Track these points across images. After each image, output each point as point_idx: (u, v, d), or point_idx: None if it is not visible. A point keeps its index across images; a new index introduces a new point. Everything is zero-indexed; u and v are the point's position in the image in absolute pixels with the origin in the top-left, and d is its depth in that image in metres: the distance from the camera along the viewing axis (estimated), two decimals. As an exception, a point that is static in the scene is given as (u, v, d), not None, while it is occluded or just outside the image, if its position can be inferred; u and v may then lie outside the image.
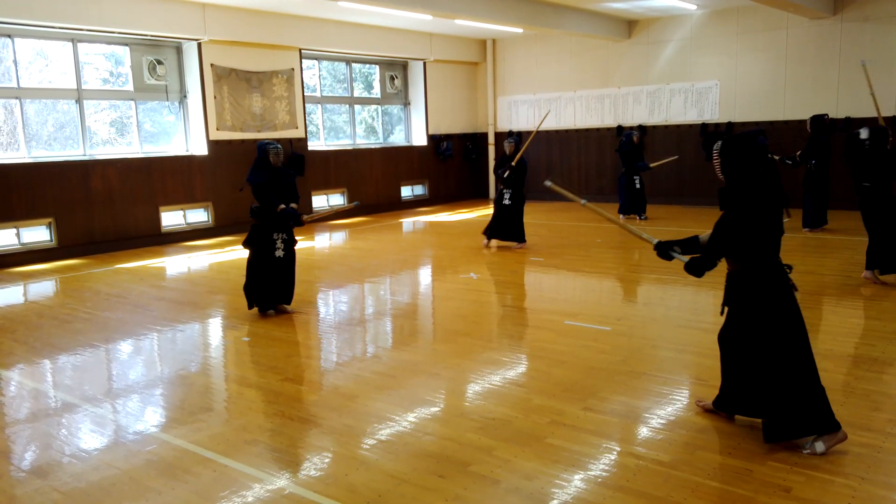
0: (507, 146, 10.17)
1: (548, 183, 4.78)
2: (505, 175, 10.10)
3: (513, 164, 10.01)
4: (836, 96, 12.88)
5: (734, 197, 3.64)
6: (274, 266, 6.68)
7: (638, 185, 12.70)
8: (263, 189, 6.59)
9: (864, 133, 7.21)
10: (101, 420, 4.48)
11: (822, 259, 8.76)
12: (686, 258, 3.88)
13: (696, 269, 3.75)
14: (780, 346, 3.64)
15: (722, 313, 3.96)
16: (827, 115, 10.80)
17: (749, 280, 3.70)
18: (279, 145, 6.73)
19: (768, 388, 3.66)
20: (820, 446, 3.60)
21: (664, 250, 3.99)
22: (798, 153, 10.88)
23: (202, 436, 4.14)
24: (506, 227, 10.12)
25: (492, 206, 15.71)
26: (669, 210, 13.79)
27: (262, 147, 6.68)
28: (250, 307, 6.76)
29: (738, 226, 3.60)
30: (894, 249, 7.14)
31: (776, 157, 10.35)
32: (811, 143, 10.50)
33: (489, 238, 10.23)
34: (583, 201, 4.54)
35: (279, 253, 6.68)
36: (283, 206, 6.60)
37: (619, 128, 15.29)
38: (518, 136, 12.65)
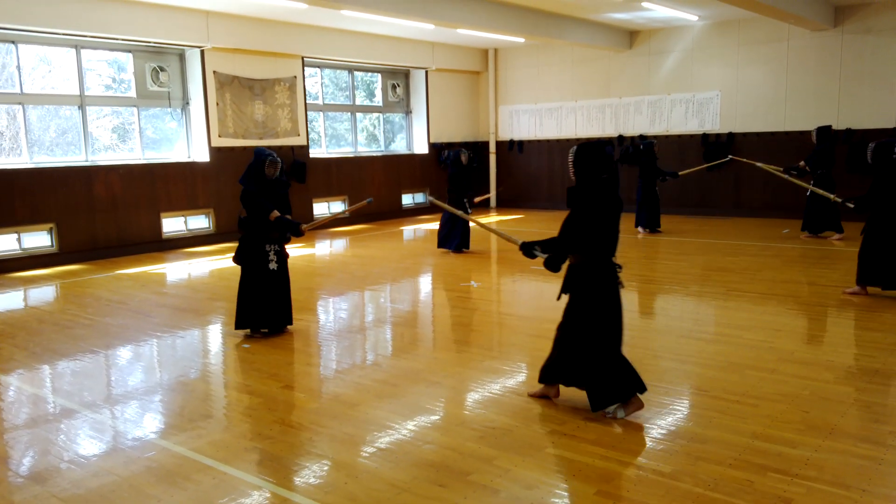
0: (464, 157, 10.67)
1: (429, 199, 5.58)
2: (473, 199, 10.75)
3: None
4: (837, 107, 12.91)
5: (579, 197, 4.20)
6: (269, 280, 6.17)
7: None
8: (254, 196, 6.08)
9: None
10: (101, 426, 4.47)
11: (824, 270, 8.75)
12: (545, 255, 4.37)
13: (552, 264, 4.33)
14: (602, 329, 4.26)
15: (558, 299, 4.45)
16: (831, 125, 10.93)
17: (585, 272, 4.28)
18: (279, 159, 6.27)
19: (592, 363, 4.27)
20: (621, 413, 4.25)
21: (528, 249, 4.46)
22: (802, 163, 10.93)
23: (202, 442, 4.13)
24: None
25: (480, 216, 15.72)
26: (671, 220, 13.78)
27: (259, 155, 6.18)
28: (239, 327, 6.21)
29: (579, 223, 4.17)
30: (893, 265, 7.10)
31: (779, 170, 10.38)
32: (817, 152, 10.83)
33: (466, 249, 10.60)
34: (459, 213, 5.53)
35: (273, 266, 6.19)
36: (278, 213, 6.10)
37: (621, 137, 15.32)
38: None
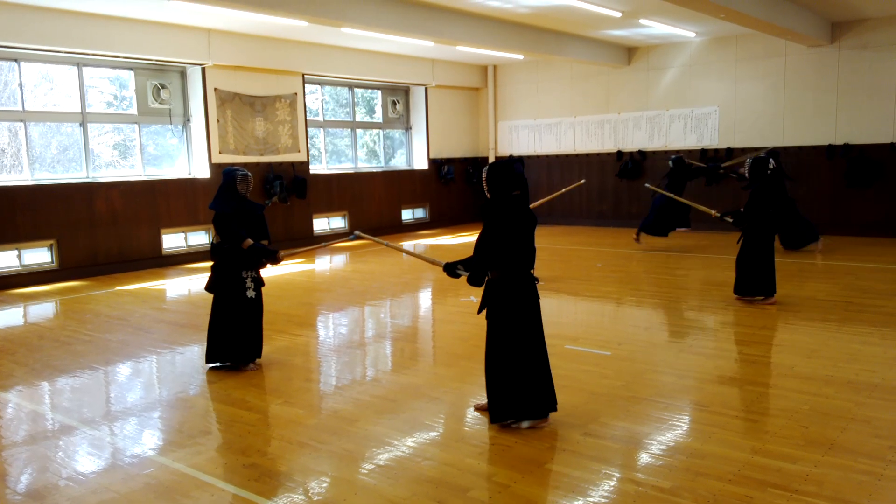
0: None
1: (356, 233, 5.75)
2: None
3: None
4: (835, 122, 12.97)
5: (491, 213, 4.28)
6: (245, 310, 5.75)
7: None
8: (228, 220, 5.63)
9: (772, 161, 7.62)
10: (100, 443, 4.47)
11: (821, 284, 8.76)
12: (467, 273, 4.42)
13: (474, 280, 4.40)
14: (514, 343, 4.29)
15: (479, 313, 4.46)
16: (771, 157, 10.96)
17: (501, 286, 4.31)
18: (249, 173, 5.80)
19: (497, 376, 4.33)
20: (525, 423, 4.35)
21: (451, 270, 4.50)
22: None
23: (201, 459, 4.12)
24: None
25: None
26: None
27: (228, 173, 5.73)
28: (211, 360, 5.81)
29: (492, 239, 4.24)
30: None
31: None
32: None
33: None
34: (385, 243, 5.59)
35: (250, 293, 5.76)
36: (251, 241, 5.68)
37: (620, 152, 15.38)
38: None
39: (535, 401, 4.31)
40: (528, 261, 4.32)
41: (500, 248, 4.23)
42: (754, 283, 7.66)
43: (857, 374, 5.30)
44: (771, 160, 7.59)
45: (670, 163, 12.28)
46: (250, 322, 5.80)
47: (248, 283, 5.77)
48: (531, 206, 10.10)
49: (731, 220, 7.86)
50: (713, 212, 8.33)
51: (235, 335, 5.75)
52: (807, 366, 5.52)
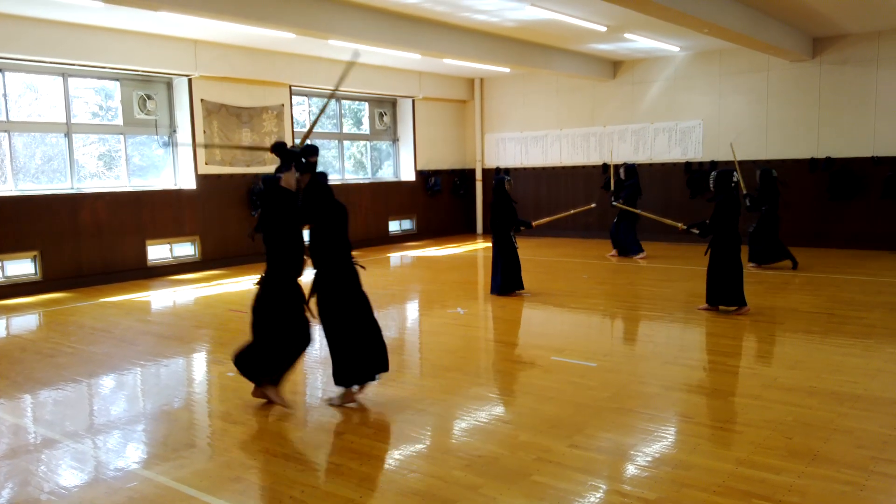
0: (508, 185, 9.36)
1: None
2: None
3: None
4: (817, 136, 13.14)
5: (306, 212, 5.18)
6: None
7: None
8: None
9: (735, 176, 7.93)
10: (83, 456, 4.42)
11: (806, 296, 8.84)
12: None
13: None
14: (340, 320, 5.14)
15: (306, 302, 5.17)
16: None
17: (322, 275, 5.19)
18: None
19: (333, 348, 5.17)
20: (337, 401, 5.17)
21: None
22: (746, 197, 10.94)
23: (185, 472, 4.09)
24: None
25: (480, 242, 15.76)
26: (659, 247, 13.89)
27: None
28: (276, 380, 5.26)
29: (311, 234, 5.17)
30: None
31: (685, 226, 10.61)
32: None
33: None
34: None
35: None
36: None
37: (605, 165, 15.48)
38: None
39: (359, 368, 5.13)
40: (341, 252, 5.19)
41: (315, 242, 5.19)
42: (724, 293, 7.84)
43: (839, 385, 5.35)
44: (735, 173, 7.88)
45: (696, 175, 12.15)
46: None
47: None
48: (535, 223, 9.96)
49: (696, 232, 8.05)
50: (679, 224, 8.50)
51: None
52: (790, 377, 5.56)
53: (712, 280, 7.93)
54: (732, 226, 7.80)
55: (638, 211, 10.76)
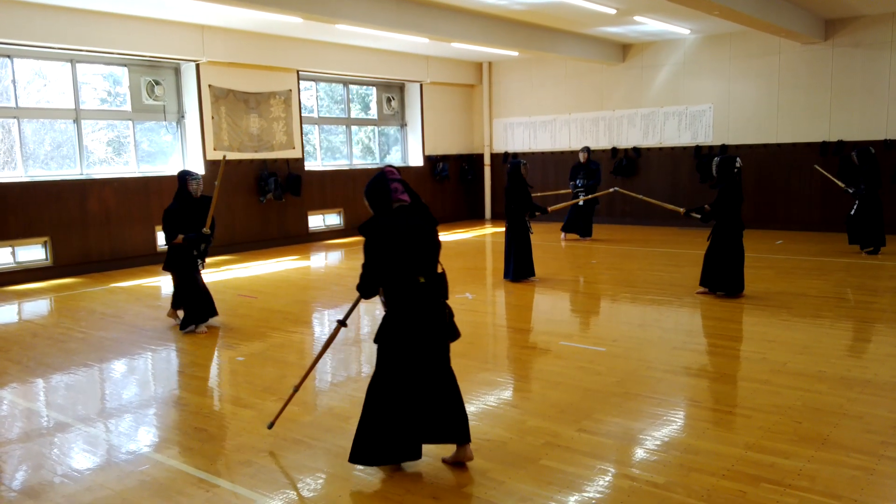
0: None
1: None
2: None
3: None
4: (829, 120, 13.02)
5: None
6: (196, 275, 6.97)
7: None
8: (167, 219, 6.78)
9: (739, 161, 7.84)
10: (94, 440, 4.47)
11: (814, 281, 8.80)
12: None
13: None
14: (380, 374, 3.87)
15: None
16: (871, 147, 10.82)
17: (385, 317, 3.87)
18: (199, 176, 6.91)
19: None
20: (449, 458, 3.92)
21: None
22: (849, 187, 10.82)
23: (196, 456, 4.13)
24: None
25: (488, 227, 15.74)
26: (662, 232, 13.84)
27: (181, 176, 6.84)
28: (191, 328, 6.95)
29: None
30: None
31: (843, 185, 10.88)
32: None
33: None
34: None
35: (202, 266, 7.01)
36: (181, 236, 6.76)
37: (615, 149, 15.40)
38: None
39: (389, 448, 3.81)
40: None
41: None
42: (723, 280, 7.91)
43: (849, 370, 5.33)
44: (738, 159, 7.84)
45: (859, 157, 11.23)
46: (204, 286, 7.06)
47: (199, 262, 6.95)
48: (550, 208, 9.82)
49: (698, 217, 8.05)
50: (680, 209, 8.45)
51: (202, 298, 6.98)
52: (799, 362, 5.55)
53: (710, 265, 8.00)
54: (735, 212, 7.81)
55: (641, 196, 10.62)
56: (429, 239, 3.80)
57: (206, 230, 6.80)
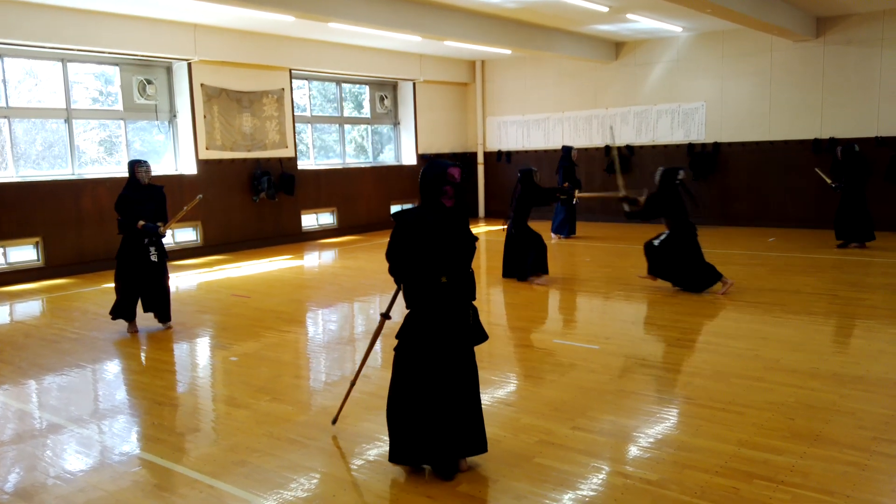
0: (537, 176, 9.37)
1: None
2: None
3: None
4: (821, 117, 13.07)
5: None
6: (147, 271, 6.88)
7: None
8: (123, 202, 6.80)
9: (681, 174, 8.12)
10: (87, 441, 4.45)
11: (808, 278, 8.83)
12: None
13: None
14: (400, 371, 3.88)
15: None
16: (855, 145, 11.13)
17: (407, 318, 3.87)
18: (147, 163, 6.93)
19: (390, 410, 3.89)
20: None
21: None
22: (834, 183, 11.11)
23: (189, 457, 4.12)
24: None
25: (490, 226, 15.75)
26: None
27: (130, 164, 6.92)
28: (116, 317, 6.97)
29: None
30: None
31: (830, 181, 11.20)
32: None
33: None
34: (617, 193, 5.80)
35: (153, 257, 6.89)
36: (143, 222, 6.76)
37: (608, 147, 15.43)
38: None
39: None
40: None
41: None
42: (691, 280, 8.10)
43: (842, 366, 5.35)
44: (681, 171, 8.08)
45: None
46: (152, 281, 6.95)
47: (152, 251, 6.88)
48: (580, 194, 10.34)
49: (627, 209, 8.31)
50: (619, 193, 8.51)
51: (139, 293, 6.95)
52: (792, 359, 5.57)
53: (668, 262, 8.19)
54: (681, 216, 8.03)
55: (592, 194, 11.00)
56: (458, 240, 3.74)
57: (161, 230, 6.87)
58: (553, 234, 13.23)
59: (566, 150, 13.20)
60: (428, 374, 3.69)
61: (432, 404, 3.67)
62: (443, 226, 3.69)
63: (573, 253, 11.63)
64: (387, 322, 4.28)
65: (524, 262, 9.17)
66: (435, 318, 3.70)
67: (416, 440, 3.69)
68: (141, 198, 6.82)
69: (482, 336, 3.89)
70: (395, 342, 3.87)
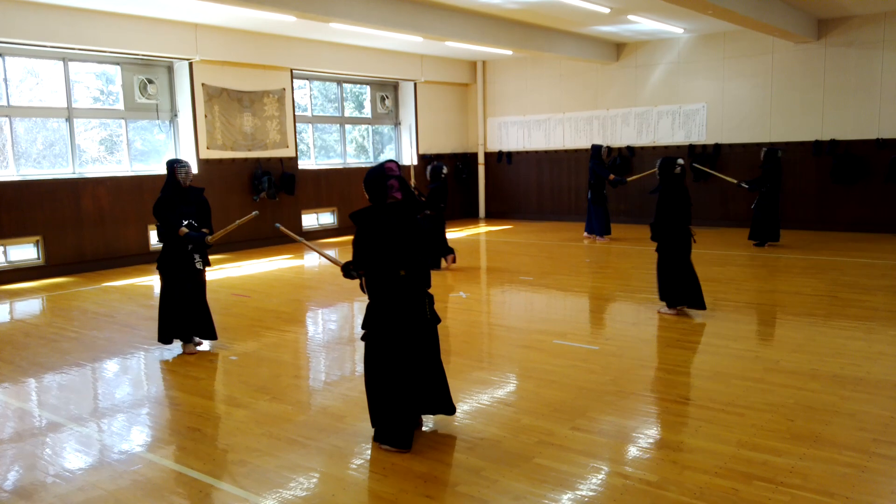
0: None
1: (277, 225, 5.70)
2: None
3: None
4: (822, 119, 13.07)
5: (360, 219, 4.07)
6: (196, 284, 6.16)
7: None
8: (162, 206, 6.08)
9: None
10: (87, 440, 4.45)
11: (808, 280, 8.83)
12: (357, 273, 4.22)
13: (348, 275, 4.21)
14: (383, 352, 4.16)
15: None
16: (780, 150, 11.52)
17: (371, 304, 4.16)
18: (188, 163, 6.28)
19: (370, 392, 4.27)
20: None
21: (347, 271, 4.21)
22: (750, 180, 11.53)
23: (189, 456, 4.12)
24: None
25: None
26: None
27: (168, 164, 6.23)
28: (167, 340, 6.16)
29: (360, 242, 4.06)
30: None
31: (736, 181, 11.60)
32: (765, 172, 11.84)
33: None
34: (277, 225, 5.65)
35: (198, 265, 6.16)
36: (185, 229, 6.04)
37: (609, 149, 15.41)
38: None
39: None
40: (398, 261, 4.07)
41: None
42: (683, 293, 7.13)
43: (842, 368, 5.35)
44: (679, 160, 7.05)
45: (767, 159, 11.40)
46: (201, 297, 6.23)
47: (197, 258, 6.17)
48: (629, 178, 11.11)
49: (745, 186, 8.16)
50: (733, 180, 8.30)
51: (189, 311, 6.14)
52: (792, 360, 5.57)
53: (665, 280, 7.19)
54: (681, 219, 7.02)
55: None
56: (413, 236, 4.05)
57: (208, 239, 6.15)
58: (586, 235, 13.14)
59: (595, 148, 12.82)
60: (395, 356, 4.04)
61: (404, 381, 4.04)
62: (398, 223, 4.00)
63: (571, 253, 11.63)
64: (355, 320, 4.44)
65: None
66: (395, 308, 4.03)
67: (397, 416, 4.02)
68: (181, 201, 6.14)
69: (436, 320, 4.25)
70: (362, 332, 4.19)
